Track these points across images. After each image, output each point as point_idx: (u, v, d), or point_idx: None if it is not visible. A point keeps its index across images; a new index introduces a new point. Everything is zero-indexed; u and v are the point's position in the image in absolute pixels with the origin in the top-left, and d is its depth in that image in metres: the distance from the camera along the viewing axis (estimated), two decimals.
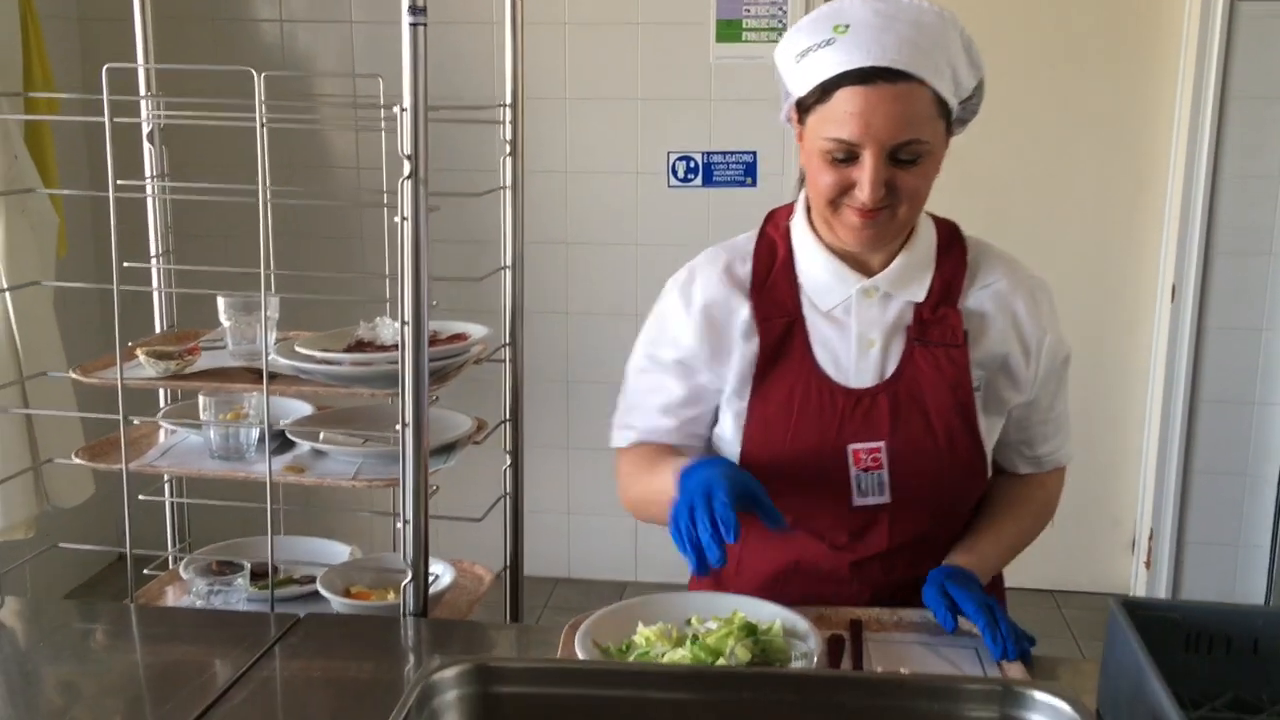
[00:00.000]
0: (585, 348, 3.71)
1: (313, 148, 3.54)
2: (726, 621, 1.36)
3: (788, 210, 1.56)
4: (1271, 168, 3.31)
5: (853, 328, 1.48)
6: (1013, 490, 1.60)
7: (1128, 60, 3.42)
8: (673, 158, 3.57)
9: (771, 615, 1.39)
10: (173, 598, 1.84)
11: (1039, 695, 1.05)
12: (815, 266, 1.49)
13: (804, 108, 1.40)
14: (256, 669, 1.40)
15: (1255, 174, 3.32)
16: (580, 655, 1.30)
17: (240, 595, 1.70)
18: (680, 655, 1.29)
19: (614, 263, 3.64)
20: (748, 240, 1.56)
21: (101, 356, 1.81)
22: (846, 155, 1.36)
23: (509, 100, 1.80)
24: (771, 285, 1.50)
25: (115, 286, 1.60)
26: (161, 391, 1.97)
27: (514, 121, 1.80)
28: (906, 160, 1.36)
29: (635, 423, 1.58)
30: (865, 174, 1.36)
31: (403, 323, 1.46)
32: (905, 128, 1.34)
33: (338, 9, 3.56)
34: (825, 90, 1.36)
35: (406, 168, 1.42)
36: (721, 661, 1.27)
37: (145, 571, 1.94)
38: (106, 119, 1.55)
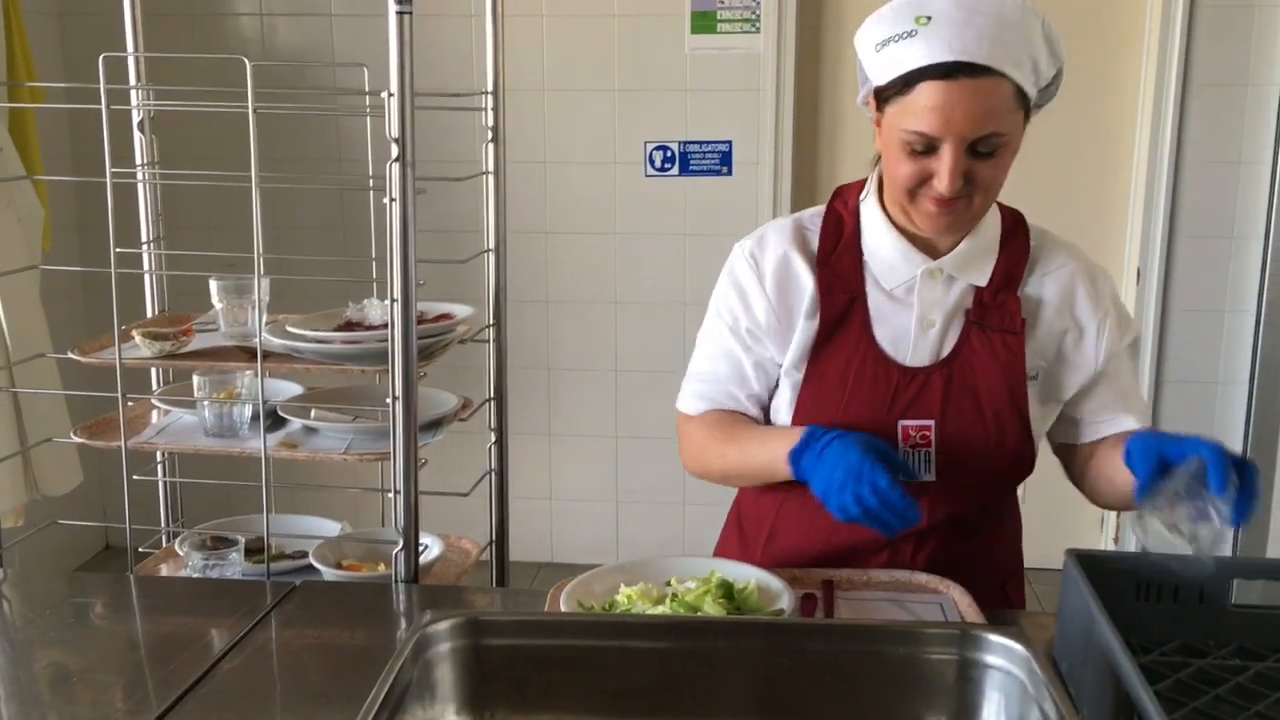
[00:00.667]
0: (566, 335, 3.77)
1: (295, 137, 3.58)
2: (704, 581, 1.42)
3: (857, 187, 1.58)
4: (1232, 153, 3.40)
5: (915, 307, 1.51)
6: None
7: (1093, 49, 3.50)
8: (650, 147, 3.63)
9: (747, 575, 1.46)
10: (169, 573, 1.89)
11: (994, 638, 1.13)
12: (883, 245, 1.52)
13: (883, 96, 1.42)
14: (254, 634, 1.46)
15: (1217, 159, 3.42)
16: None
17: (235, 569, 1.76)
18: (660, 612, 1.35)
19: (593, 251, 3.70)
20: (815, 214, 1.58)
21: (96, 339, 1.86)
22: (926, 147, 1.39)
23: (491, 88, 1.85)
24: (836, 260, 1.53)
25: (113, 270, 1.65)
26: (153, 374, 2.03)
27: (496, 108, 1.86)
28: (985, 152, 1.39)
29: (706, 391, 1.60)
30: (944, 166, 1.38)
31: (392, 300, 1.52)
32: (985, 122, 1.36)
33: (318, 3, 3.60)
34: (906, 83, 1.37)
35: (394, 151, 1.48)
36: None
37: (140, 550, 1.99)
38: (104, 107, 1.60)
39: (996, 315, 1.51)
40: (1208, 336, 3.51)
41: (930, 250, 1.52)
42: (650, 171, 3.65)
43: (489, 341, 1.98)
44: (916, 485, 1.50)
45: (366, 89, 1.85)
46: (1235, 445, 3.49)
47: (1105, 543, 3.71)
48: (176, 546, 1.83)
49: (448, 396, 1.90)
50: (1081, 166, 3.58)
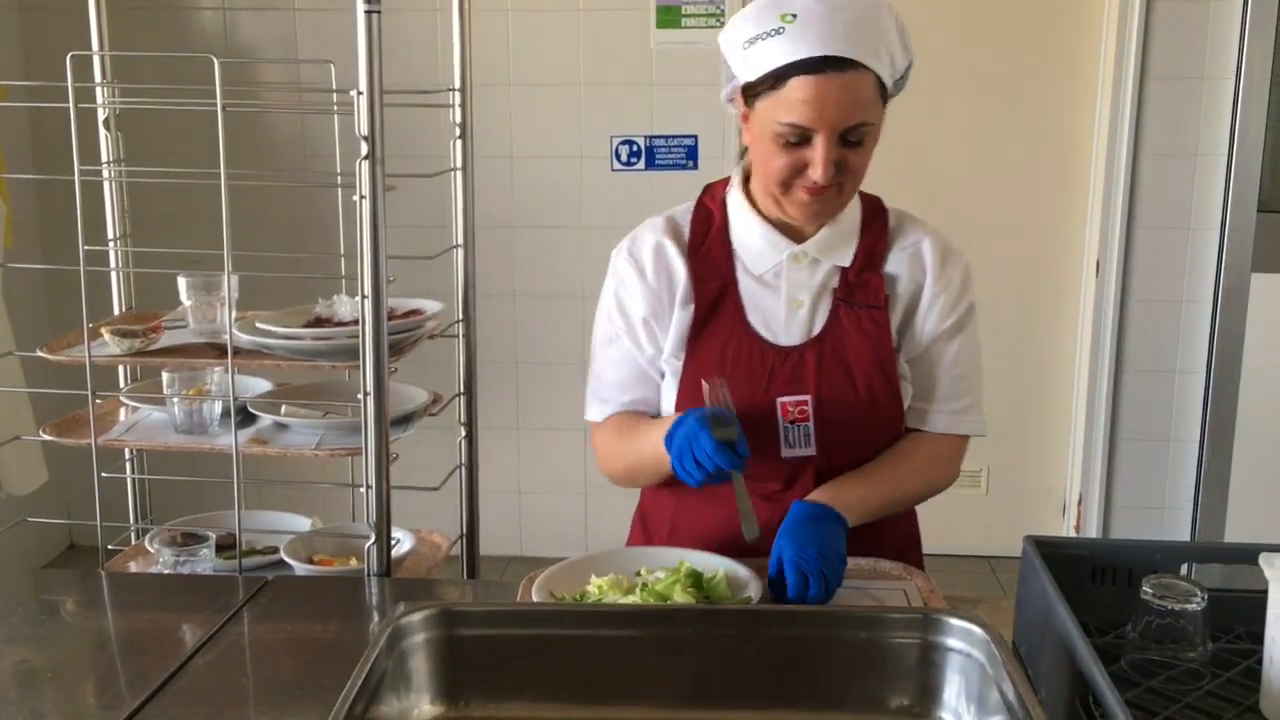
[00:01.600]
0: (533, 330, 3.79)
1: (259, 134, 3.57)
2: (673, 571, 1.45)
3: (724, 184, 1.66)
4: (1188, 146, 3.46)
5: (783, 290, 1.58)
6: (901, 444, 1.62)
7: (1052, 44, 3.55)
8: (615, 142, 3.65)
9: (716, 565, 1.48)
10: (139, 570, 1.89)
11: (955, 621, 1.16)
12: (751, 234, 1.59)
13: (753, 92, 1.48)
14: (226, 629, 1.47)
15: (1173, 152, 3.47)
16: None
17: (206, 565, 1.76)
18: (630, 601, 1.38)
19: (559, 246, 3.71)
20: (685, 210, 1.65)
21: (62, 336, 1.86)
22: (799, 139, 1.45)
23: (458, 84, 1.87)
24: (707, 250, 1.60)
25: (81, 267, 1.65)
26: (121, 371, 2.02)
27: (463, 105, 1.87)
28: (854, 141, 1.46)
29: (608, 395, 1.66)
30: (818, 155, 1.45)
31: (363, 296, 1.53)
32: (854, 112, 1.44)
33: None
34: (778, 78, 1.44)
35: (364, 148, 1.50)
36: None
37: (109, 547, 1.99)
38: (71, 105, 1.60)
39: (861, 293, 1.58)
40: (1165, 326, 3.57)
41: (795, 236, 1.59)
42: (617, 166, 3.67)
43: (458, 337, 1.99)
44: (800, 459, 1.57)
45: (334, 86, 1.86)
46: (1193, 431, 3.57)
47: (1067, 530, 3.78)
48: (147, 543, 1.84)
49: (418, 392, 1.91)
50: (1041, 160, 3.63)
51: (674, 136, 3.65)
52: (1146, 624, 1.23)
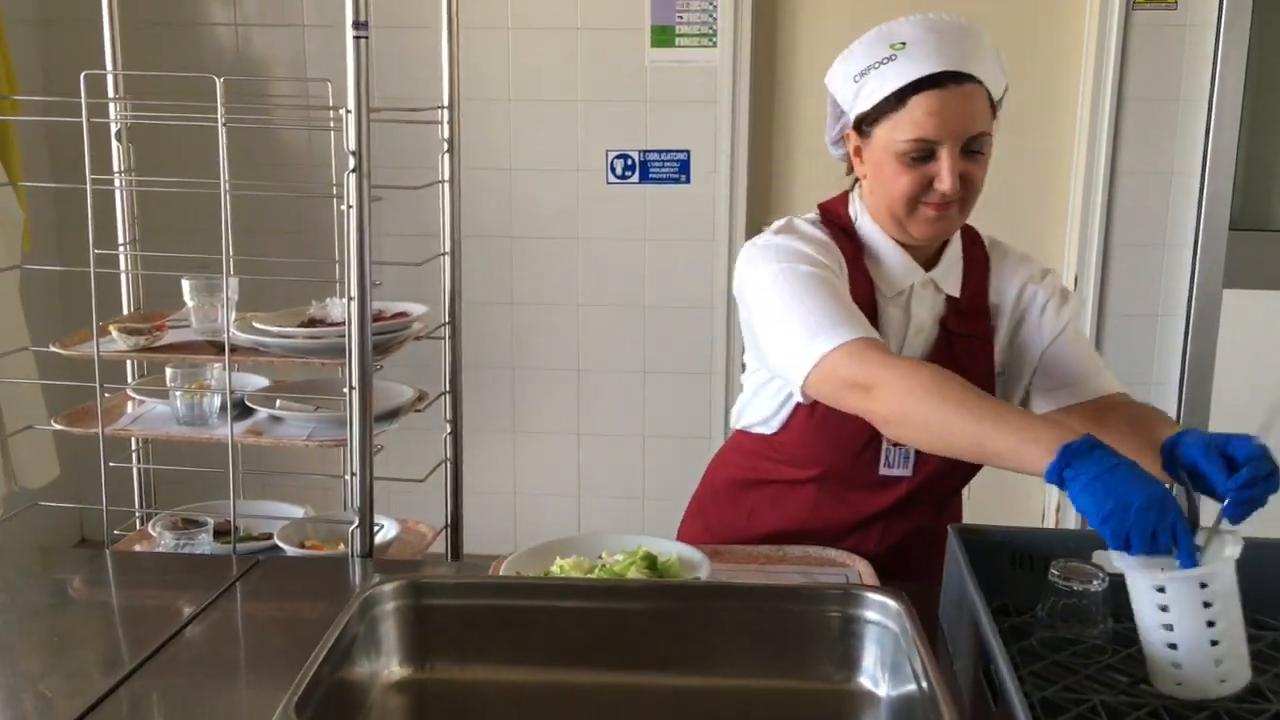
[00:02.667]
0: (529, 336, 3.91)
1: (267, 147, 3.71)
2: (631, 554, 1.57)
3: (840, 202, 1.69)
4: (1164, 164, 3.57)
5: (912, 314, 1.65)
6: (1126, 414, 1.58)
7: (1033, 66, 3.67)
8: (611, 156, 3.77)
9: (670, 549, 1.61)
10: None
11: (872, 596, 1.28)
12: (889, 258, 1.64)
13: (869, 119, 1.56)
14: (219, 602, 1.59)
15: (1150, 170, 3.59)
16: None
17: (204, 548, 1.89)
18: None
19: (556, 256, 3.84)
20: (816, 221, 1.67)
21: (74, 333, 1.99)
22: (924, 154, 1.53)
23: (446, 102, 2.00)
24: (856, 264, 1.64)
25: (92, 269, 1.78)
26: (129, 367, 2.16)
27: (451, 122, 2.00)
28: (975, 151, 1.55)
29: (839, 319, 1.48)
30: (944, 167, 1.52)
31: (348, 298, 1.66)
32: (974, 122, 1.53)
33: (290, 14, 3.73)
34: (899, 98, 1.51)
35: (351, 162, 1.63)
36: None
37: (115, 532, 2.12)
38: (84, 119, 1.74)
39: (971, 323, 1.67)
40: (1141, 340, 3.68)
41: (923, 259, 1.66)
42: (611, 179, 3.79)
43: (446, 339, 2.12)
44: (895, 479, 1.66)
45: (330, 104, 1.99)
46: None
47: None
48: (150, 528, 1.96)
49: (404, 389, 2.04)
50: (1023, 178, 3.74)
51: (667, 151, 3.77)
52: (1053, 604, 1.34)
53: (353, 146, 1.62)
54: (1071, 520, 3.78)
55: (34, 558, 1.83)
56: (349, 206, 1.63)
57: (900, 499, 1.67)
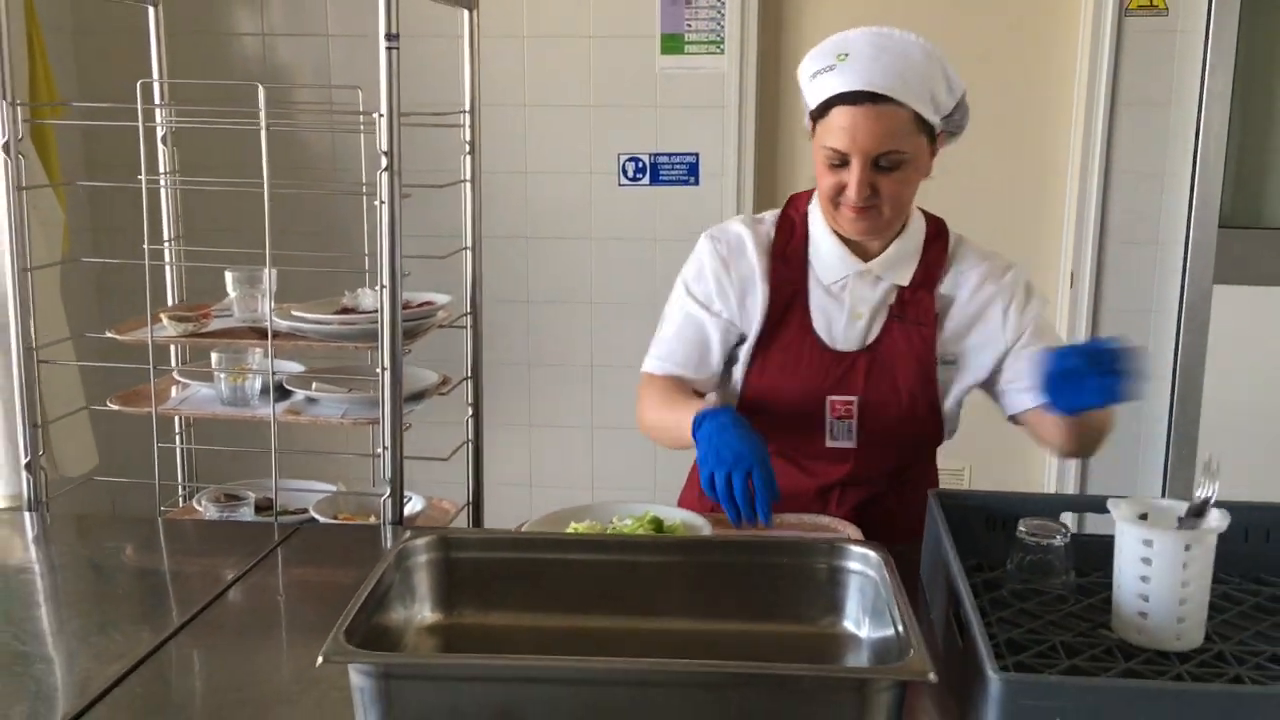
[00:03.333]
0: (545, 333, 4.05)
1: (294, 150, 3.87)
2: (639, 518, 1.72)
3: (806, 196, 1.87)
4: (1157, 165, 3.69)
5: (847, 302, 1.81)
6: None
7: (1029, 70, 3.80)
8: (622, 159, 3.91)
9: (677, 515, 1.75)
10: None
11: (855, 548, 1.42)
12: (826, 247, 1.81)
13: (813, 119, 1.73)
14: (262, 564, 1.74)
15: (1143, 171, 3.71)
16: None
17: (247, 520, 2.04)
18: None
19: (570, 255, 3.98)
20: (773, 216, 1.87)
21: (125, 322, 2.15)
22: (840, 161, 1.69)
23: (468, 106, 2.15)
24: (788, 256, 1.82)
25: (147, 262, 1.94)
26: (173, 354, 2.31)
27: (472, 125, 2.15)
28: (887, 167, 1.68)
29: (664, 354, 1.87)
30: (852, 178, 1.68)
31: (380, 287, 1.81)
32: (885, 141, 1.66)
33: (315, 24, 3.89)
34: (826, 107, 1.68)
35: (384, 162, 1.78)
36: None
37: (161, 509, 2.28)
38: (140, 124, 1.89)
39: (914, 310, 1.80)
40: (1135, 334, 3.78)
41: (863, 253, 1.81)
42: (623, 181, 3.93)
43: (467, 328, 2.27)
44: (841, 450, 1.81)
45: (361, 109, 2.14)
46: (1159, 434, 3.81)
47: None
48: (195, 503, 2.12)
49: (429, 374, 2.19)
50: (1020, 180, 3.87)
51: (677, 154, 3.91)
52: (1020, 559, 1.48)
53: (385, 147, 1.77)
54: (1069, 517, 3.90)
55: (89, 526, 1.99)
56: (381, 202, 1.78)
57: (852, 469, 1.82)
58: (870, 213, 1.71)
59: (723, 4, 3.75)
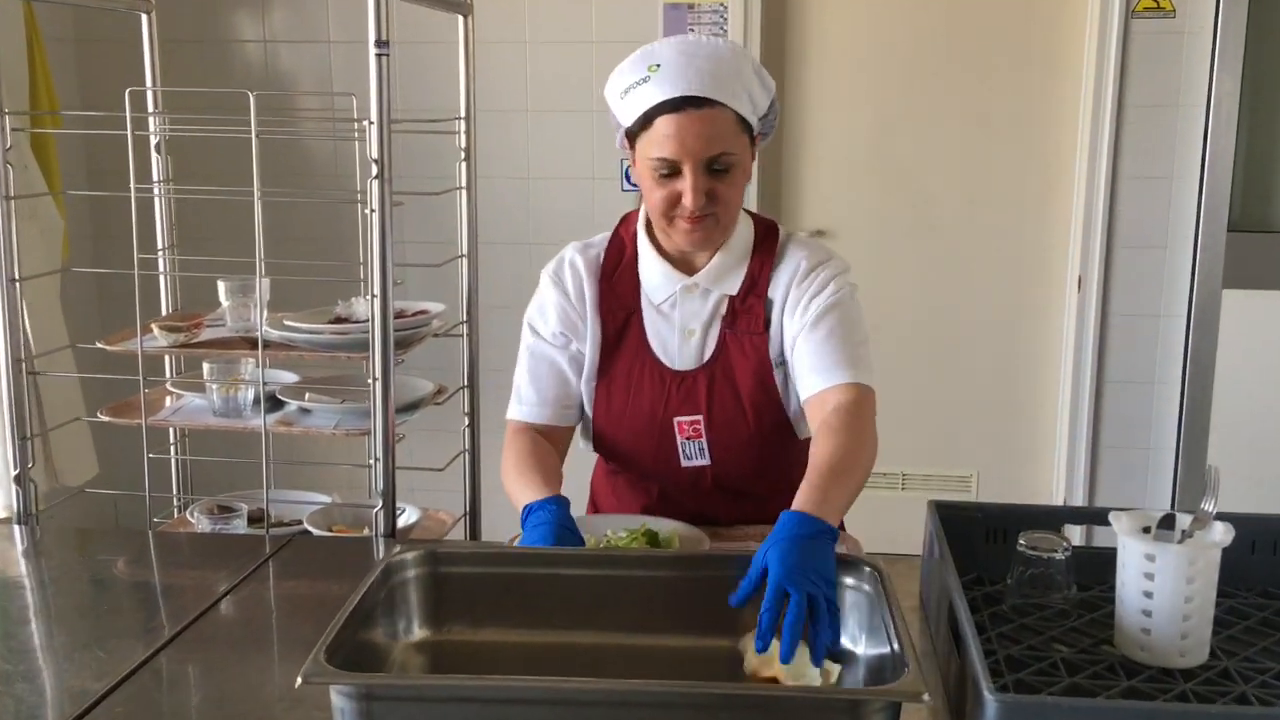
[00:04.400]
0: None
1: (295, 158, 3.86)
2: (633, 531, 1.69)
3: (630, 222, 1.83)
4: (1164, 169, 3.66)
5: (677, 319, 1.76)
6: (831, 431, 1.62)
7: (1036, 75, 3.77)
8: (625, 164, 3.89)
9: (672, 526, 1.72)
10: None
11: (850, 563, 1.39)
12: (650, 267, 1.77)
13: (632, 135, 1.68)
14: (253, 576, 1.72)
15: (1150, 175, 3.68)
16: None
17: (239, 532, 2.02)
18: None
19: None
20: (603, 239, 1.83)
21: (118, 333, 2.13)
22: (670, 170, 1.64)
23: (463, 113, 2.13)
24: (617, 280, 1.78)
25: (136, 271, 1.92)
26: (167, 365, 2.30)
27: (468, 132, 2.13)
28: (720, 170, 1.64)
29: (521, 399, 1.82)
30: (688, 185, 1.63)
31: (371, 296, 1.79)
32: (714, 143, 1.62)
33: (316, 31, 3.88)
34: (647, 119, 1.63)
35: (374, 169, 1.76)
36: None
37: (154, 519, 2.26)
38: (129, 133, 1.88)
39: (745, 319, 1.75)
40: (1143, 339, 3.76)
41: (689, 267, 1.76)
42: (626, 187, 3.91)
43: (464, 336, 2.25)
44: (698, 468, 1.78)
45: (355, 116, 2.12)
46: (1169, 440, 3.77)
47: None
48: (188, 515, 2.10)
49: (424, 383, 2.17)
50: (1027, 183, 3.84)
51: None
52: (1021, 572, 1.45)
53: (375, 155, 1.75)
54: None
55: (81, 538, 1.97)
56: (371, 210, 1.76)
57: (713, 483, 1.79)
58: (706, 221, 1.67)
59: (725, 10, 3.72)
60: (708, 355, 1.77)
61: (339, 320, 2.07)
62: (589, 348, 1.78)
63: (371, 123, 1.75)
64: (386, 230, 1.78)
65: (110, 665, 1.42)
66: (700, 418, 1.76)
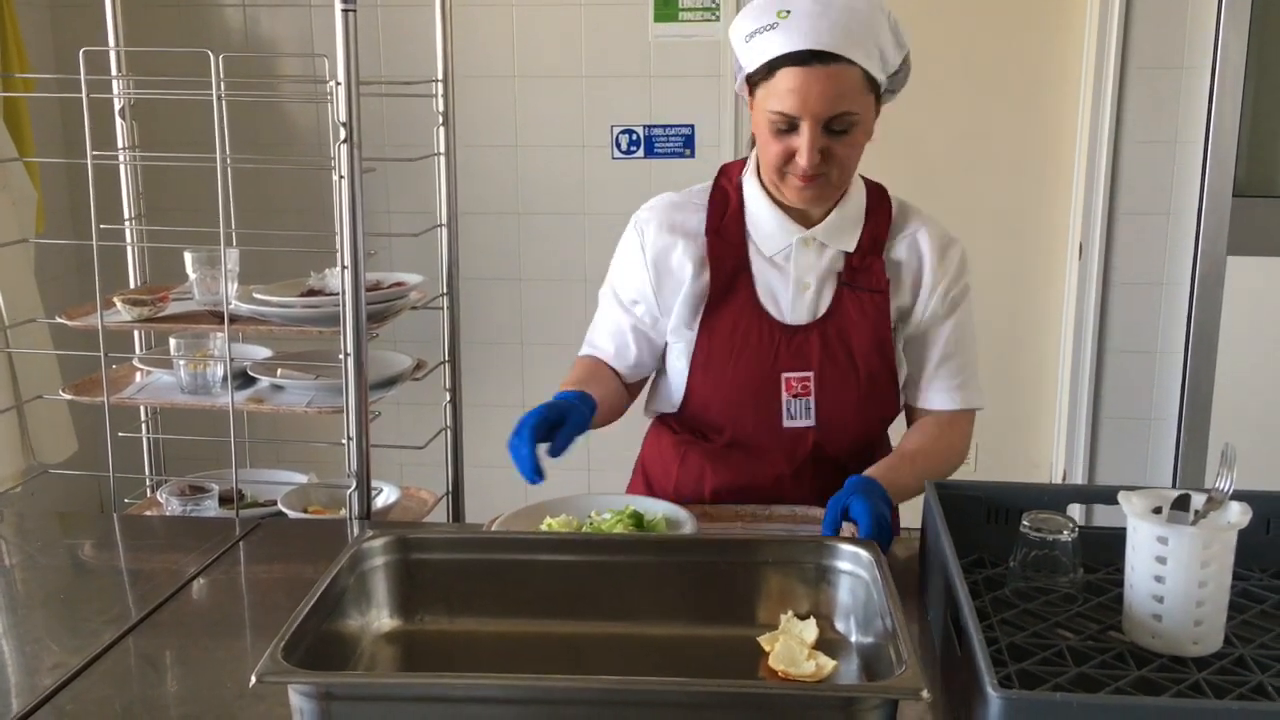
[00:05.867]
0: (537, 312, 3.95)
1: (278, 124, 3.76)
2: (619, 512, 1.61)
3: (739, 165, 1.76)
4: (1167, 134, 3.57)
5: (791, 272, 1.70)
6: (920, 428, 1.75)
7: (1036, 37, 3.67)
8: (616, 131, 3.80)
9: (658, 508, 1.64)
10: None
11: (844, 547, 1.32)
12: (763, 217, 1.70)
13: (753, 82, 1.61)
14: (222, 560, 1.65)
15: (1153, 139, 3.59)
16: None
17: (210, 513, 1.94)
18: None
19: (563, 231, 3.87)
20: (703, 190, 1.76)
21: (81, 306, 2.04)
22: (788, 126, 1.57)
23: (440, 75, 2.03)
24: (724, 230, 1.71)
25: (94, 242, 1.83)
26: (136, 338, 2.21)
27: (445, 95, 2.04)
28: (839, 130, 1.57)
29: (591, 340, 1.81)
30: (804, 143, 1.56)
31: (342, 267, 1.70)
32: (837, 102, 1.54)
33: None
34: (770, 69, 1.56)
35: (342, 134, 1.66)
36: None
37: (126, 500, 2.18)
38: (84, 96, 1.78)
39: (864, 277, 1.70)
40: (1145, 308, 3.68)
41: (804, 220, 1.70)
42: (617, 154, 3.82)
43: (443, 309, 2.16)
44: (800, 430, 1.71)
45: (328, 78, 2.02)
46: (1171, 410, 3.69)
47: None
48: (158, 495, 2.02)
49: (402, 358, 2.09)
50: (1028, 148, 3.75)
51: (672, 126, 3.79)
52: (1025, 554, 1.38)
53: (343, 118, 1.66)
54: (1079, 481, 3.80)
55: (46, 523, 1.89)
56: (341, 177, 1.67)
57: (812, 450, 1.72)
58: (820, 180, 1.61)
59: None
60: (822, 310, 1.70)
61: (311, 293, 1.98)
62: (683, 300, 1.71)
63: (339, 83, 1.66)
64: (357, 197, 1.69)
65: (72, 653, 1.34)
66: (810, 374, 1.69)
